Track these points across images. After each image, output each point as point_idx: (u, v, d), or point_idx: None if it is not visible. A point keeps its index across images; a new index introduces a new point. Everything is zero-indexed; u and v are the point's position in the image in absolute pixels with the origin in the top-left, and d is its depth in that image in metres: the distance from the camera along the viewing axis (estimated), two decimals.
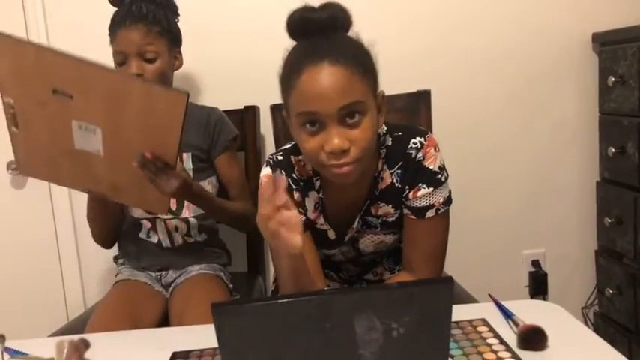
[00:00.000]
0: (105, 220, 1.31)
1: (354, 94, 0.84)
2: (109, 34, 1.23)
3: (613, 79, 1.55)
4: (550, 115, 1.71)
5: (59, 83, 1.01)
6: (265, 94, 1.54)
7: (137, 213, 1.34)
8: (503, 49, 1.66)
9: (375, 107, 0.89)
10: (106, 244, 1.37)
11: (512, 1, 1.65)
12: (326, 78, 0.82)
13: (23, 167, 1.15)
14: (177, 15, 1.33)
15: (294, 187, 0.97)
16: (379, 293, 0.51)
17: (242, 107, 1.55)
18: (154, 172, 1.08)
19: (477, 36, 1.66)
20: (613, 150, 1.57)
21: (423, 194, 0.95)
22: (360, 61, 0.86)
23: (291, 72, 0.87)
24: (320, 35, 0.87)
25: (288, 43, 1.62)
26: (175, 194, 1.11)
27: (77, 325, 1.22)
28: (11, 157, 1.60)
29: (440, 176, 0.96)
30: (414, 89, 1.50)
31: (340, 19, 0.89)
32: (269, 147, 1.64)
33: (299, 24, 0.89)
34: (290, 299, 0.49)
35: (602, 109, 1.66)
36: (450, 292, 0.51)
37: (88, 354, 0.64)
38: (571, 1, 1.66)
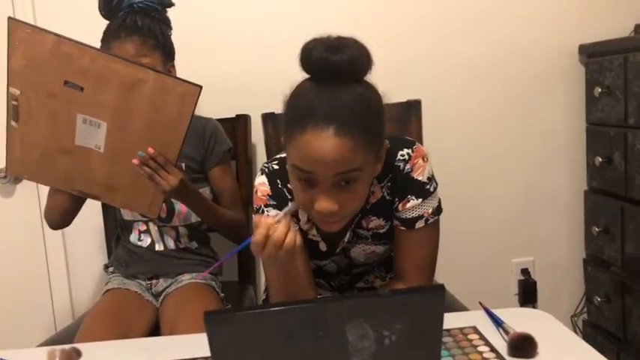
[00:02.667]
0: (64, 212, 1.28)
1: (353, 163, 0.81)
2: (101, 46, 1.22)
3: (600, 90, 1.58)
4: (538, 125, 1.73)
5: (72, 74, 1.02)
6: (257, 103, 1.55)
7: (129, 215, 1.34)
8: (491, 60, 1.69)
9: (375, 162, 0.88)
10: (57, 227, 1.32)
11: (499, 13, 1.67)
12: (328, 146, 0.79)
13: (13, 165, 1.14)
14: (171, 28, 1.33)
15: (289, 197, 0.97)
16: (371, 301, 0.51)
17: (234, 116, 1.56)
18: (153, 169, 1.08)
19: (466, 47, 1.68)
20: (600, 160, 1.59)
21: (411, 206, 0.96)
22: (367, 129, 0.82)
23: (295, 121, 0.82)
24: (335, 82, 0.82)
25: (281, 53, 1.64)
26: (173, 192, 1.11)
27: (66, 335, 1.20)
28: None
29: (428, 186, 0.96)
30: (404, 99, 1.52)
31: (361, 64, 0.83)
32: (260, 155, 1.65)
33: (318, 67, 0.83)
34: (283, 307, 0.49)
35: (589, 119, 1.68)
36: (442, 299, 0.51)
37: None
38: (558, 13, 1.69)
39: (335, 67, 0.81)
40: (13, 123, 1.07)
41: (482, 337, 0.81)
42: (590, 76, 1.65)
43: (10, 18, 1.00)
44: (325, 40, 0.83)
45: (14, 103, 1.04)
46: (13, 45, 1.01)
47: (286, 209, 0.85)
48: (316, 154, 0.80)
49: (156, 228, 1.34)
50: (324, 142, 0.79)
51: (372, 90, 0.86)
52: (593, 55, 1.65)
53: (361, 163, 0.82)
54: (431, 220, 0.97)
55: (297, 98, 0.85)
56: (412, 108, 1.52)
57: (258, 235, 0.81)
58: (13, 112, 1.06)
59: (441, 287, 0.51)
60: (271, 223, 0.82)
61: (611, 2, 1.69)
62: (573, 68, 1.71)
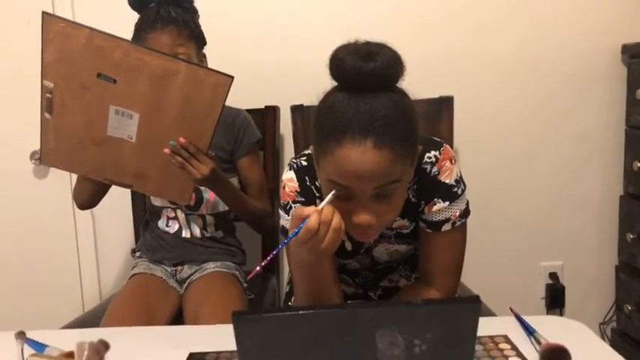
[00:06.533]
0: (91, 196, 1.30)
1: (393, 174, 0.79)
2: (135, 37, 1.22)
3: None
4: (575, 126, 1.68)
5: (105, 67, 1.03)
6: (286, 94, 1.54)
7: (158, 201, 1.36)
8: (529, 56, 1.64)
9: (410, 169, 0.85)
10: (85, 208, 1.35)
11: (540, 9, 1.62)
12: (368, 160, 0.76)
13: (47, 156, 1.16)
14: (199, 17, 1.33)
15: (317, 194, 0.96)
16: (403, 309, 0.50)
17: (263, 107, 1.55)
18: (185, 158, 1.09)
19: (503, 42, 1.63)
20: (638, 164, 1.53)
21: (438, 209, 0.94)
22: (405, 138, 0.79)
23: (330, 134, 0.78)
24: (369, 91, 0.78)
25: (312, 46, 1.62)
26: (204, 180, 1.13)
27: (92, 318, 1.23)
28: (35, 147, 1.62)
29: (456, 189, 0.94)
30: (436, 95, 1.49)
31: (395, 71, 0.80)
32: (288, 147, 1.64)
33: (352, 76, 0.78)
34: (312, 311, 0.48)
35: (628, 121, 1.62)
36: (477, 312, 0.50)
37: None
38: (601, 12, 1.62)
39: (369, 76, 0.77)
40: (46, 115, 1.08)
41: (513, 347, 0.78)
42: (633, 77, 1.59)
43: (44, 12, 1.01)
44: (355, 47, 0.79)
45: (48, 95, 1.05)
46: (47, 39, 1.01)
47: (327, 199, 0.80)
48: (356, 169, 0.77)
49: (183, 215, 1.36)
50: (364, 156, 0.76)
51: (405, 96, 0.83)
52: (637, 55, 1.59)
53: (400, 174, 0.80)
54: (458, 223, 0.95)
55: (329, 109, 0.80)
56: (444, 104, 1.49)
57: (313, 220, 0.76)
58: (47, 105, 1.07)
59: (477, 299, 0.50)
60: (319, 209, 0.78)
61: None
62: (615, 68, 1.65)
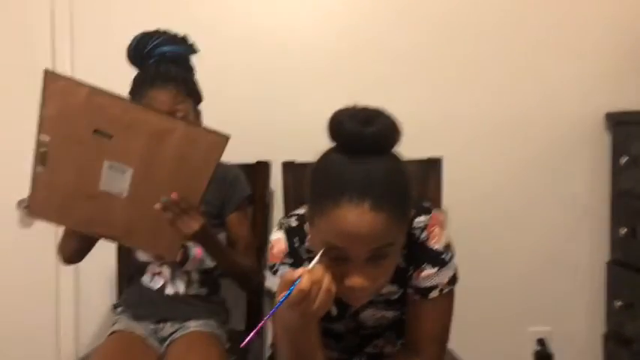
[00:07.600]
0: (76, 252, 1.29)
1: (388, 237, 0.79)
2: (133, 92, 1.24)
3: (626, 159, 1.55)
4: (562, 191, 1.70)
5: (103, 123, 1.05)
6: (278, 150, 1.56)
7: (144, 257, 1.34)
8: (516, 122, 1.68)
9: (404, 232, 0.85)
10: (69, 264, 1.34)
11: (526, 76, 1.68)
12: (365, 221, 0.77)
13: (35, 208, 1.15)
14: (195, 73, 1.35)
15: (305, 256, 0.96)
16: None
17: (254, 162, 1.57)
18: (176, 214, 1.08)
19: (491, 108, 1.67)
20: (624, 230, 1.55)
21: (427, 275, 0.93)
22: (400, 202, 0.80)
23: (327, 195, 0.79)
24: (366, 154, 0.80)
25: (302, 104, 1.66)
26: (193, 236, 1.12)
27: None
28: (21, 195, 1.62)
29: (444, 256, 0.94)
30: (424, 156, 1.51)
31: (392, 136, 0.82)
32: (278, 203, 1.64)
33: (350, 139, 0.80)
34: None
35: (614, 188, 1.65)
36: None
37: None
38: (586, 80, 1.68)
39: (368, 140, 0.79)
40: (39, 168, 1.08)
41: None
42: (617, 145, 1.63)
43: (46, 70, 1.03)
44: (354, 112, 0.82)
45: (42, 149, 1.06)
46: (47, 95, 1.03)
47: (317, 258, 0.80)
48: (352, 230, 0.77)
49: (169, 271, 1.33)
50: (360, 218, 0.76)
51: (400, 161, 0.85)
52: (620, 123, 1.63)
53: (394, 237, 0.81)
54: (446, 290, 0.94)
55: (326, 170, 0.82)
56: (432, 166, 1.50)
57: (305, 281, 0.76)
58: (41, 158, 1.07)
59: None
60: (309, 270, 0.78)
61: None
62: (599, 135, 1.69)
